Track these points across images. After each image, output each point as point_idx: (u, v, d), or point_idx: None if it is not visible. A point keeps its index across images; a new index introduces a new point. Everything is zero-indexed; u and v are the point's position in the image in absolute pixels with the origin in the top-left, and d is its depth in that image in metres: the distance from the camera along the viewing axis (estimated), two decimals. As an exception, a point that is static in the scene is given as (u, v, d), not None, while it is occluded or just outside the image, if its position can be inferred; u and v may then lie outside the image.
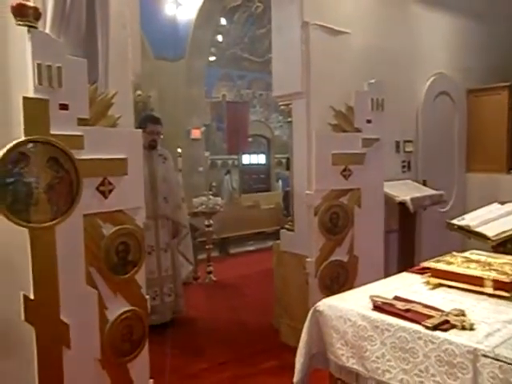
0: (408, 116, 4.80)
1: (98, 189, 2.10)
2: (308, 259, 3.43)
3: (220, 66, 11.68)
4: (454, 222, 2.66)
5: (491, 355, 1.20)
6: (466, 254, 2.11)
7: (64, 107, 1.96)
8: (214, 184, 10.02)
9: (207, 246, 6.10)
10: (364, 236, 3.49)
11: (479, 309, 1.50)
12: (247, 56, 12.29)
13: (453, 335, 1.32)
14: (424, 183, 4.81)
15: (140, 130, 2.41)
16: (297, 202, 3.71)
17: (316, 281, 3.38)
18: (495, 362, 1.18)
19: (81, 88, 2.03)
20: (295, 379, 1.68)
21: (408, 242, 4.14)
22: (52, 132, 1.90)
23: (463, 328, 1.34)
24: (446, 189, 4.94)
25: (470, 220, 2.59)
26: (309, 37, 3.46)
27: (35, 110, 1.86)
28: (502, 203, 2.73)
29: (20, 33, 1.89)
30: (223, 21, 10.53)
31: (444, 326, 1.35)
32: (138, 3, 2.65)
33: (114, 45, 2.32)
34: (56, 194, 1.92)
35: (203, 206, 5.94)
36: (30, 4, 1.87)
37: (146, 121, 4.29)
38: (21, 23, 1.86)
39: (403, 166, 4.73)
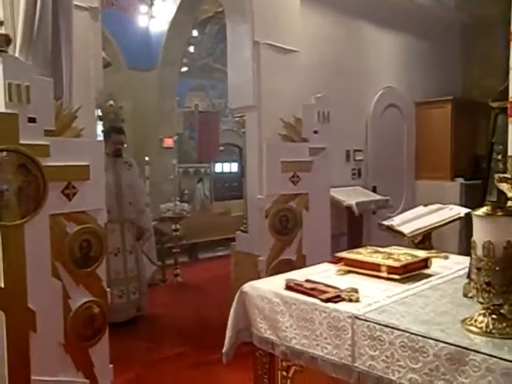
0: (358, 127, 5.19)
1: (62, 192, 2.37)
2: (260, 258, 3.73)
3: (192, 76, 11.89)
4: (383, 222, 3.00)
5: (362, 318, 1.56)
6: (387, 248, 2.43)
7: (32, 120, 2.23)
8: (186, 192, 10.23)
9: (174, 250, 6.35)
10: (311, 237, 3.83)
11: (372, 288, 1.86)
12: (219, 67, 12.46)
13: (340, 305, 1.67)
14: (374, 189, 5.20)
15: (102, 140, 2.70)
16: (250, 205, 4.03)
17: (267, 278, 3.70)
18: (365, 322, 1.54)
19: (47, 103, 2.30)
20: (224, 350, 2.01)
21: (355, 243, 4.50)
22: (21, 142, 2.16)
23: (350, 300, 1.70)
24: (395, 195, 5.36)
25: (396, 221, 2.93)
26: (260, 55, 3.81)
27: (6, 123, 2.13)
28: (426, 205, 3.09)
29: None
30: (195, 32, 10.79)
31: (335, 299, 1.70)
32: (99, 27, 2.92)
33: (78, 65, 2.61)
34: (25, 196, 2.19)
35: (170, 212, 6.20)
36: (1, 32, 2.16)
37: (111, 132, 4.59)
38: (-7, 48, 2.14)
39: (353, 174, 5.12)
